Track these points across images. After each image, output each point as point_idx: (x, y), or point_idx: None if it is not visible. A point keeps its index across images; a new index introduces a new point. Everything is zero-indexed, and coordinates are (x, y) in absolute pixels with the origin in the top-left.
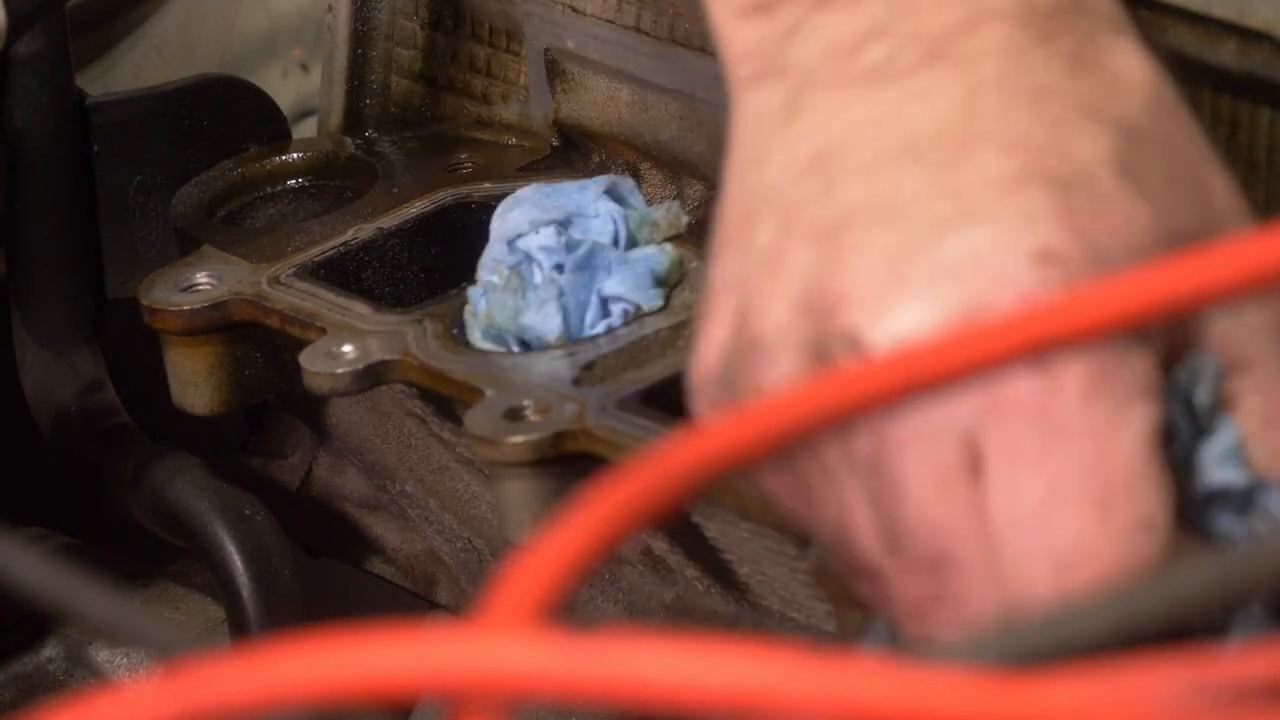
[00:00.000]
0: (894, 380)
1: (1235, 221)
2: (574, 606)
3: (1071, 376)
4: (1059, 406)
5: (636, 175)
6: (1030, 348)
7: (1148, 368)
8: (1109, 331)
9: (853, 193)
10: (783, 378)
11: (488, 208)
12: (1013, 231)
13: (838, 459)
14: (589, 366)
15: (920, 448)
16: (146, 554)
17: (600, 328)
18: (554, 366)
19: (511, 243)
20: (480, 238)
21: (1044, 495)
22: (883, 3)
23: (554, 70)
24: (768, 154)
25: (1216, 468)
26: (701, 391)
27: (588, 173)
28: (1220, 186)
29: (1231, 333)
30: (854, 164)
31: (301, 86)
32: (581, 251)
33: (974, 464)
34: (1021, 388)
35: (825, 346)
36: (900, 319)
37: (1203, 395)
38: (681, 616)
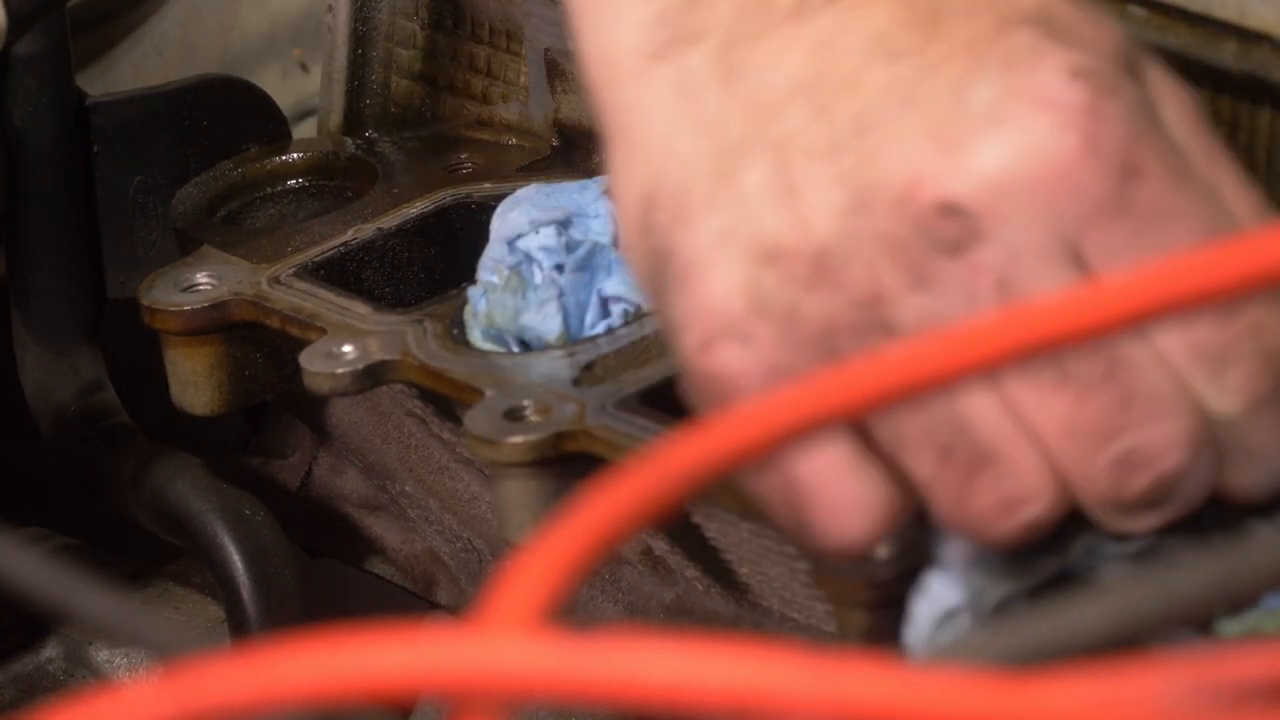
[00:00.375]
0: (898, 377)
1: None
2: (574, 606)
3: (1157, 169)
4: (1155, 195)
5: None
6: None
7: None
8: (1115, 331)
9: (847, 105)
10: (868, 278)
11: (488, 208)
12: (1032, 64)
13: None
14: (589, 366)
15: (1037, 266)
16: (146, 554)
17: (600, 328)
18: (554, 366)
19: (511, 243)
20: (480, 238)
21: None
22: None
23: (554, 70)
24: (714, 114)
25: None
26: (739, 336)
27: (588, 173)
28: None
29: None
30: (832, 84)
31: (301, 86)
32: (582, 251)
33: (1081, 268)
34: (1115, 191)
35: (919, 225)
36: (975, 172)
37: None
38: (681, 616)
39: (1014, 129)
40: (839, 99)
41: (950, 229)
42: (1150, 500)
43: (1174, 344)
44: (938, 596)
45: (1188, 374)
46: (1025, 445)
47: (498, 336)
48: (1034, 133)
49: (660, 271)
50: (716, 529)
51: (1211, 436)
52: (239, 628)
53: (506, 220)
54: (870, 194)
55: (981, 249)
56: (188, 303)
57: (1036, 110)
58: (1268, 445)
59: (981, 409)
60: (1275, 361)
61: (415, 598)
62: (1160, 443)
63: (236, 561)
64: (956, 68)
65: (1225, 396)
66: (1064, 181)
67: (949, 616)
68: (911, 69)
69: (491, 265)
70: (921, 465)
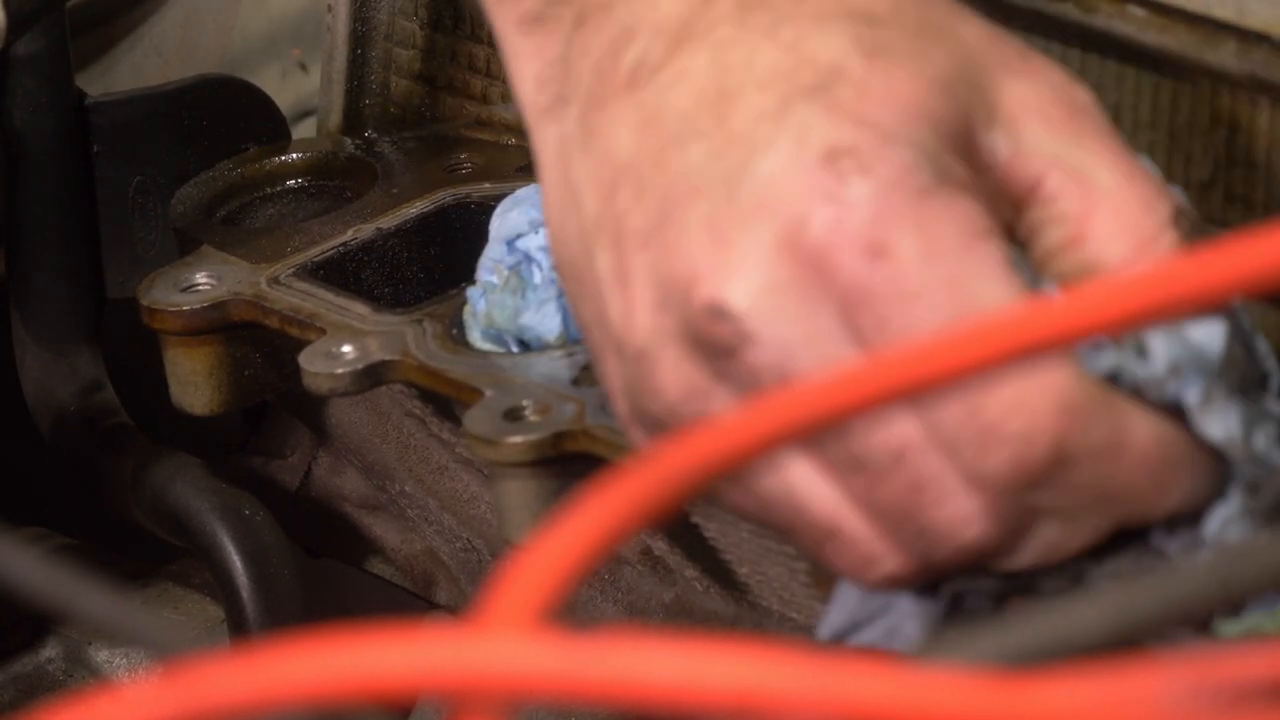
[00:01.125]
0: (894, 380)
1: (990, 53)
2: (574, 606)
3: (907, 248)
4: (902, 277)
5: None
6: (1022, 350)
7: (977, 213)
8: (1106, 332)
9: (656, 190)
10: (677, 379)
11: (487, 208)
12: (795, 148)
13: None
14: (588, 366)
15: (814, 356)
16: (146, 554)
17: None
18: (553, 366)
19: (511, 243)
20: (480, 238)
21: None
22: (625, 6)
23: None
24: (579, 185)
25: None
26: (635, 433)
27: None
28: (969, 29)
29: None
30: (646, 166)
31: (301, 86)
32: None
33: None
34: (860, 273)
35: (697, 329)
36: (739, 270)
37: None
38: (681, 616)
39: (770, 222)
40: (651, 181)
41: (721, 332)
42: (968, 561)
43: (950, 422)
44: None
45: (961, 452)
46: (855, 516)
47: (497, 336)
48: (786, 225)
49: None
50: (716, 529)
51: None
52: (239, 628)
53: (506, 220)
54: (668, 290)
55: (754, 349)
56: (187, 303)
57: (792, 200)
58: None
59: (806, 485)
60: (1026, 450)
61: (415, 598)
62: (953, 521)
63: (236, 561)
64: (737, 153)
65: (996, 479)
66: (816, 269)
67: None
68: (702, 153)
69: (491, 265)
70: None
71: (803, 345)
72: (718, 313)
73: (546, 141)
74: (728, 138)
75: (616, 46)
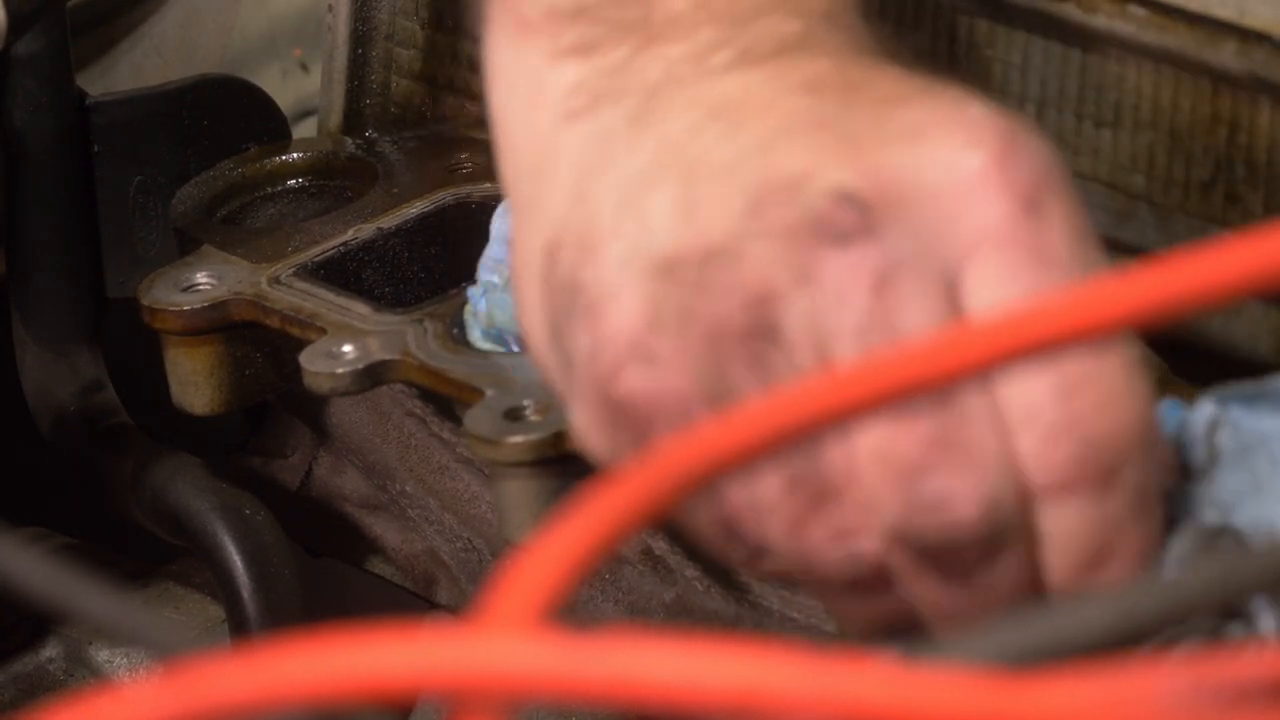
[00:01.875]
0: (897, 378)
1: None
2: (574, 606)
3: (1058, 214)
4: (1049, 237)
5: None
6: (1030, 350)
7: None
8: (1104, 334)
9: (759, 125)
10: (759, 271)
11: (488, 208)
12: (957, 101)
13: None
14: None
15: (913, 281)
16: (146, 554)
17: None
18: None
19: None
20: (480, 238)
21: None
22: (713, 27)
23: None
24: (628, 151)
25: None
26: (643, 356)
27: None
28: None
29: None
30: (749, 110)
31: (301, 86)
32: None
33: (953, 301)
34: (1012, 217)
35: (814, 213)
36: (875, 167)
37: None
38: (681, 616)
39: (927, 141)
40: (753, 120)
41: (843, 217)
42: (934, 550)
43: (1011, 401)
44: None
45: (1016, 433)
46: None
47: (498, 336)
48: (946, 146)
49: (566, 312)
50: None
51: (1022, 525)
52: (239, 628)
53: (506, 220)
54: (767, 194)
55: (868, 245)
56: (188, 303)
57: (953, 127)
58: (1067, 535)
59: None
60: (1096, 452)
61: (415, 598)
62: (957, 492)
63: (236, 561)
64: (878, 104)
65: (1041, 469)
66: (965, 197)
67: None
68: (832, 101)
69: (491, 265)
70: (768, 489)
71: (911, 266)
72: (844, 197)
73: (565, 142)
74: (865, 97)
75: (704, 53)
